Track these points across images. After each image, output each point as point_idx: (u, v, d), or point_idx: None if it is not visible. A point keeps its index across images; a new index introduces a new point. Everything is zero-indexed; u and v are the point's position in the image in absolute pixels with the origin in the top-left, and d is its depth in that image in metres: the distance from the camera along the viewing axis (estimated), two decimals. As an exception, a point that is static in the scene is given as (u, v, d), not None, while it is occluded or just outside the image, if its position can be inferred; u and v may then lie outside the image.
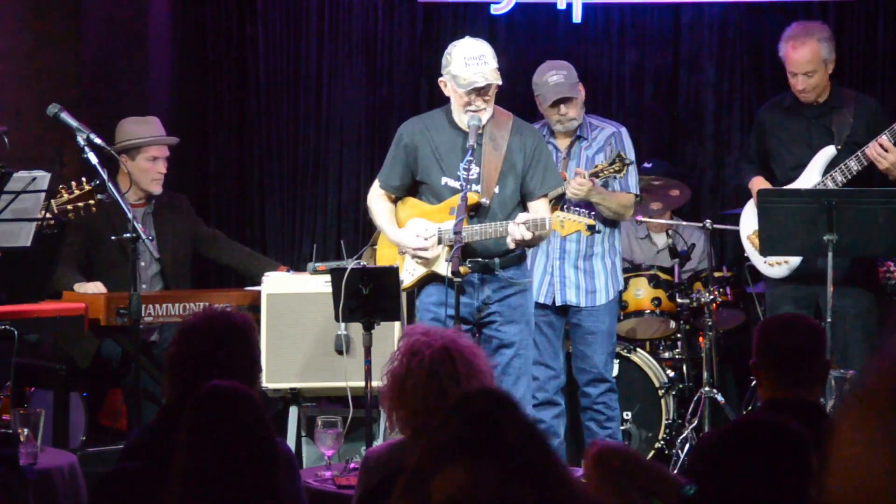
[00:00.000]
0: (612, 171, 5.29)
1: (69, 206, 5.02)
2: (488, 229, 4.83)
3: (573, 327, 5.61)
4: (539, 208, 4.97)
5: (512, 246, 4.83)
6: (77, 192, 5.02)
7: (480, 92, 4.85)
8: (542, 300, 5.52)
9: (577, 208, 4.96)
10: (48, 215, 4.95)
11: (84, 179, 5.04)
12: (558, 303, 5.55)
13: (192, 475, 2.53)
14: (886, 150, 5.19)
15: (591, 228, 4.82)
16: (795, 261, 5.44)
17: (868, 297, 5.49)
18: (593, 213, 5.09)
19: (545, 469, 1.89)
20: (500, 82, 4.88)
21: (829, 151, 5.41)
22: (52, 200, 5.01)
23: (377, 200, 5.09)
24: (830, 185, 5.32)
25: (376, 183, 5.13)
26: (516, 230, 4.73)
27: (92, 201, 5.03)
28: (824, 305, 5.16)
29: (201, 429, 2.56)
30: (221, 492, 2.50)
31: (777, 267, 5.49)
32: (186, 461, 2.55)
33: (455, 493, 1.77)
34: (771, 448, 2.19)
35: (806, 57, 5.39)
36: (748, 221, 5.64)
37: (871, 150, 5.23)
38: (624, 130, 5.63)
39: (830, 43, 5.45)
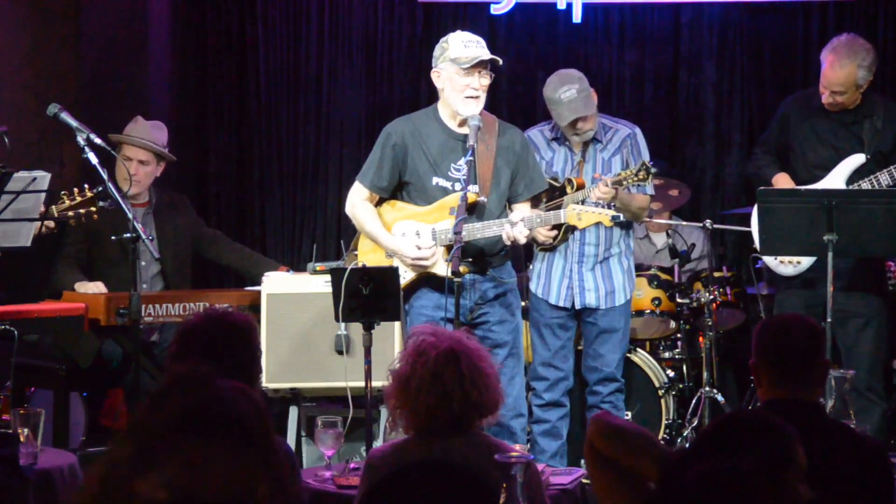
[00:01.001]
0: (636, 179, 5.24)
1: (70, 213, 5.01)
2: (493, 226, 4.84)
3: (588, 326, 5.56)
4: (524, 211, 4.98)
5: (508, 243, 4.84)
6: (79, 199, 5.00)
7: (481, 72, 4.85)
8: (561, 303, 5.51)
9: (594, 201, 4.95)
10: (48, 220, 4.95)
11: (87, 186, 5.03)
12: (577, 306, 5.50)
13: None
14: None
15: (614, 219, 4.82)
16: (808, 261, 5.42)
17: (877, 299, 5.48)
18: (613, 204, 5.08)
19: (276, 461, 1.69)
20: (500, 61, 4.93)
21: (857, 159, 5.38)
22: (53, 206, 5.00)
23: (362, 206, 5.06)
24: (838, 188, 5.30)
25: (358, 186, 5.08)
26: (513, 231, 4.77)
27: (94, 208, 5.01)
28: (836, 305, 5.15)
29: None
30: None
31: (790, 266, 5.48)
32: None
33: (178, 482, 1.50)
34: (749, 439, 2.20)
35: (840, 79, 5.36)
36: None
37: None
38: (638, 131, 5.59)
39: (870, 69, 5.39)
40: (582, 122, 5.43)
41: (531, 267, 5.65)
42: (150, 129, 5.92)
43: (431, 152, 4.95)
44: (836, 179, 5.39)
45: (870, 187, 5.27)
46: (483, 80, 4.87)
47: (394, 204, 5.06)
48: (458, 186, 4.86)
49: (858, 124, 5.44)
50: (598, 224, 5.04)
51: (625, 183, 5.21)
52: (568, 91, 5.39)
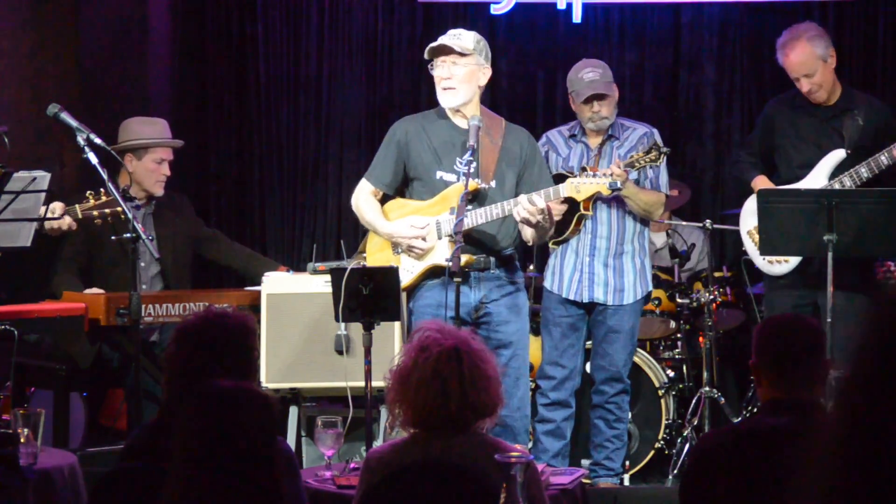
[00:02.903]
0: (648, 160, 5.24)
1: (95, 213, 5.01)
2: (495, 210, 4.82)
3: (597, 324, 5.55)
4: None
5: (518, 217, 4.77)
6: (105, 198, 5.01)
7: (445, 59, 4.87)
8: (572, 297, 5.50)
9: (591, 173, 4.94)
10: (70, 219, 4.96)
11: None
12: (585, 300, 5.50)
13: (189, 473, 2.53)
14: None
15: (611, 186, 4.80)
16: (796, 259, 5.43)
17: (863, 298, 5.45)
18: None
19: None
20: (458, 49, 4.87)
21: (838, 154, 5.38)
22: (77, 206, 5.01)
23: (365, 198, 5.08)
24: (838, 188, 5.29)
25: (364, 182, 5.10)
26: (527, 201, 4.69)
27: (119, 208, 5.00)
28: (823, 305, 5.16)
29: (198, 427, 2.56)
30: (219, 491, 2.50)
31: (777, 265, 5.49)
32: (184, 459, 2.55)
33: None
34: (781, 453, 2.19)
35: (800, 59, 5.39)
36: (749, 217, 5.63)
37: None
38: (656, 132, 5.60)
39: (823, 39, 5.44)
40: (598, 102, 5.44)
41: (546, 264, 5.65)
42: (167, 127, 5.96)
43: (435, 146, 4.96)
44: (818, 176, 5.40)
45: (850, 182, 5.28)
46: (453, 69, 4.88)
47: (398, 202, 5.07)
48: (463, 180, 4.85)
49: (838, 119, 5.45)
50: (609, 214, 5.16)
51: (636, 164, 5.22)
52: (591, 73, 5.48)
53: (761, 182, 5.53)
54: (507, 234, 4.94)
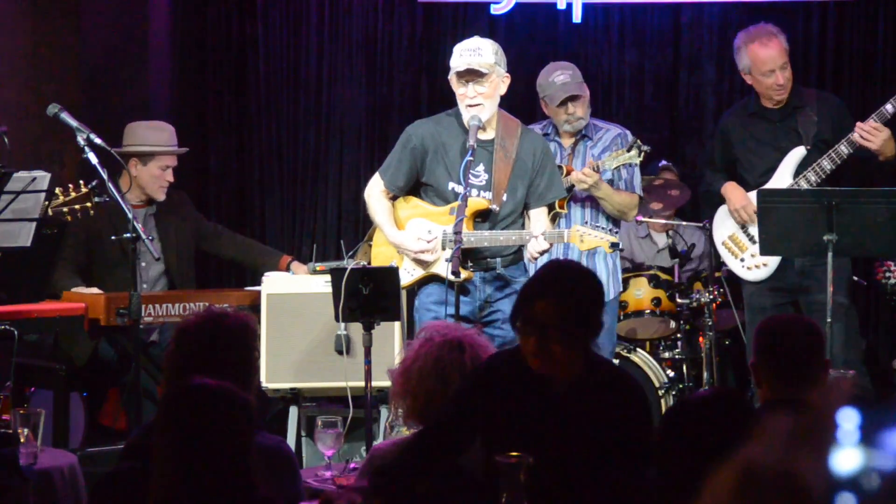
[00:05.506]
0: (628, 158, 5.28)
1: (65, 209, 4.99)
2: (499, 237, 4.82)
3: None
4: (539, 217, 4.97)
5: (527, 257, 4.82)
6: (74, 195, 4.98)
7: (471, 79, 4.83)
8: None
9: (598, 224, 4.97)
10: (41, 216, 4.94)
11: (82, 182, 5.00)
12: None
13: (165, 470, 2.55)
14: (878, 130, 5.22)
15: (613, 246, 4.82)
16: (774, 263, 5.45)
17: (843, 299, 5.41)
18: (617, 231, 5.08)
19: None
20: (485, 71, 4.84)
21: (798, 152, 5.43)
22: (45, 202, 4.98)
23: (377, 197, 5.07)
24: (804, 185, 5.35)
25: (377, 179, 5.09)
26: (537, 244, 4.72)
27: (89, 203, 4.98)
28: (803, 303, 5.20)
29: (173, 424, 2.58)
30: (193, 489, 2.52)
31: (756, 270, 5.51)
32: (161, 456, 2.57)
33: None
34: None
35: (777, 50, 5.44)
36: (721, 227, 5.65)
37: (858, 133, 5.25)
38: (629, 133, 5.62)
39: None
40: (573, 104, 5.47)
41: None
42: (173, 133, 5.95)
43: (448, 155, 4.94)
44: (783, 177, 5.43)
45: (815, 176, 5.33)
46: (479, 88, 4.85)
47: (410, 200, 5.06)
48: (474, 192, 4.85)
49: (791, 118, 5.49)
50: (583, 214, 5.26)
51: (615, 163, 5.26)
52: (561, 75, 5.50)
53: (731, 187, 5.56)
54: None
